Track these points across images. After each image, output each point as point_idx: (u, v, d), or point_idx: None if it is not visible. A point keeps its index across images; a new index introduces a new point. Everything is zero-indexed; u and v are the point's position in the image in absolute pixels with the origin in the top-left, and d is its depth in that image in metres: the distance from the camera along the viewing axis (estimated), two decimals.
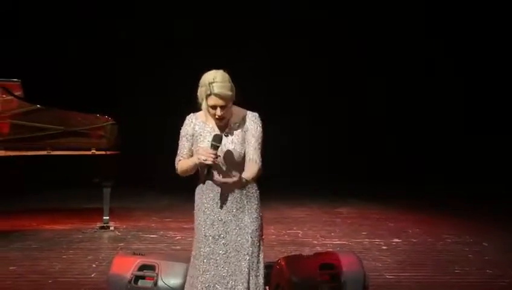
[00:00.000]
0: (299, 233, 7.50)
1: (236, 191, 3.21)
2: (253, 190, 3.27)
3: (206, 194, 3.23)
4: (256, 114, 3.30)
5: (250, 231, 3.22)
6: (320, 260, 4.27)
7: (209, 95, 3.14)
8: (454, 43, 12.65)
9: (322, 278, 4.14)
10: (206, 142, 3.18)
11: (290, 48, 12.52)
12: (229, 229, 3.21)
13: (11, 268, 5.76)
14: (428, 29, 12.70)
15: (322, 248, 6.53)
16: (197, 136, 3.23)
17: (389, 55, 12.84)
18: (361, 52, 12.77)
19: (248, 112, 3.28)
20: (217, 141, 3.09)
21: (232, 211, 3.22)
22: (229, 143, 3.18)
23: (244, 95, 3.28)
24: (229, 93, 3.15)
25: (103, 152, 7.38)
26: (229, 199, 3.20)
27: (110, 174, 7.34)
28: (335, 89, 12.87)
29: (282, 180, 11.26)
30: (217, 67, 3.21)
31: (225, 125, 3.24)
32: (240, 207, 3.23)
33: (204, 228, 3.22)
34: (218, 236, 3.20)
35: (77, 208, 9.12)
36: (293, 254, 5.32)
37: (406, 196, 10.80)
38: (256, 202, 3.27)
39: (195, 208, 3.29)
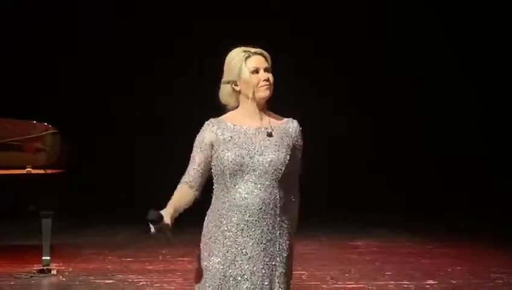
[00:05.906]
0: (303, 275, 7.55)
1: (270, 214, 3.20)
2: (287, 217, 3.25)
3: (227, 219, 3.19)
4: (296, 121, 3.33)
5: (277, 274, 3.21)
6: None
7: (248, 57, 3.23)
8: None
9: None
10: (236, 150, 3.14)
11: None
12: (255, 268, 3.17)
13: None
14: None
15: None
16: (220, 144, 3.19)
17: None
18: None
19: (286, 118, 3.34)
20: (152, 219, 2.98)
21: (262, 243, 3.19)
22: (272, 146, 3.20)
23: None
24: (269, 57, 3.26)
25: (41, 171, 7.45)
26: (258, 225, 3.19)
27: (51, 200, 7.39)
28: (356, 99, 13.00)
29: None
30: None
31: (265, 124, 3.25)
32: (272, 239, 3.20)
33: (223, 265, 3.17)
34: (241, 277, 3.16)
35: (7, 245, 9.14)
36: None
37: (445, 224, 10.89)
38: (289, 235, 3.28)
39: (208, 240, 3.24)
